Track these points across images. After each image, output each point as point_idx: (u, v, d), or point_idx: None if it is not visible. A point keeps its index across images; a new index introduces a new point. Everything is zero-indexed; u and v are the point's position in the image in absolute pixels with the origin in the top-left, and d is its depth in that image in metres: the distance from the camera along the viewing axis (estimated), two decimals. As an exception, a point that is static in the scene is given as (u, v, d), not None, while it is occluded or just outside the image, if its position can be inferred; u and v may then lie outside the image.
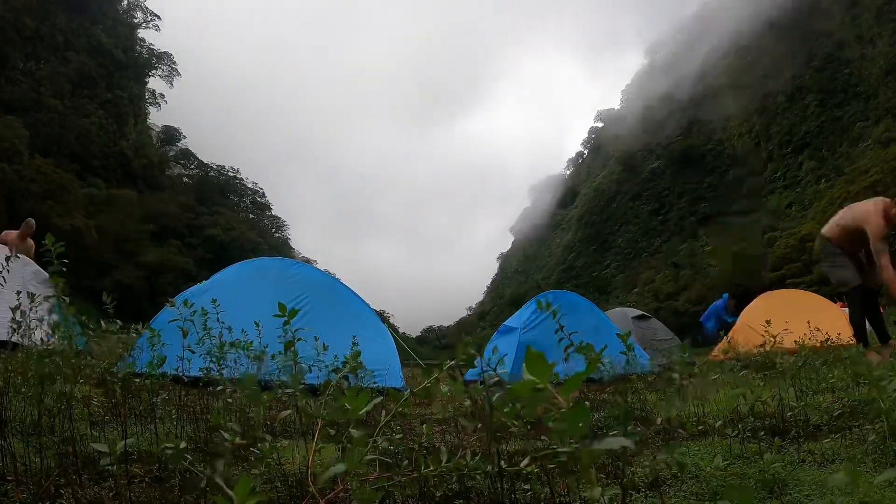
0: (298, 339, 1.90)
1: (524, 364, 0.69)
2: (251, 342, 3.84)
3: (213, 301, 4.20)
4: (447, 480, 1.85)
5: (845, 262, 6.22)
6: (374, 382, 3.74)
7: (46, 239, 2.13)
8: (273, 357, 3.35)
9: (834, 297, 13.22)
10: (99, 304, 2.96)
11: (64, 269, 2.16)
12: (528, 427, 1.83)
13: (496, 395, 1.10)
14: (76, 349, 2.24)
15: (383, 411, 1.69)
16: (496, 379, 1.13)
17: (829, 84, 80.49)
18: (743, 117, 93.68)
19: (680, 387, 1.86)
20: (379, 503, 1.30)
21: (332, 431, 1.64)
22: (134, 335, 3.77)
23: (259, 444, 1.66)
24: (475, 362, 1.32)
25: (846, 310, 14.04)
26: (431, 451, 1.70)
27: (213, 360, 3.48)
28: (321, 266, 34.32)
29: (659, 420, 3.28)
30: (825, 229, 6.49)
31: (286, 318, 1.75)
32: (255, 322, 4.25)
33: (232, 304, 4.90)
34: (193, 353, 3.52)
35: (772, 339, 4.77)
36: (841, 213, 6.51)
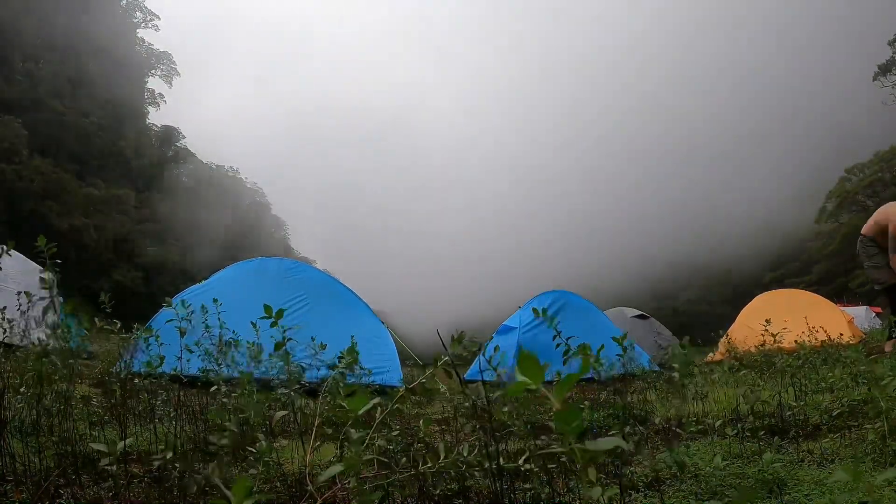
0: (288, 340, 1.89)
1: (516, 365, 0.69)
2: (251, 342, 3.83)
3: (215, 301, 4.18)
4: (446, 479, 1.85)
5: (881, 261, 6.19)
6: (373, 382, 3.73)
7: (39, 240, 2.12)
8: (270, 356, 3.35)
9: (833, 296, 13.17)
10: (98, 305, 2.95)
11: (58, 269, 2.15)
12: (528, 426, 1.83)
13: (495, 394, 1.10)
14: (72, 349, 2.23)
15: (380, 410, 1.68)
16: (499, 374, 1.13)
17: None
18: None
19: (679, 386, 1.86)
20: (378, 502, 1.30)
21: (330, 431, 1.64)
22: (133, 335, 3.77)
23: (257, 444, 1.65)
24: (476, 361, 1.31)
25: (846, 310, 14.05)
26: (430, 450, 1.69)
27: (211, 359, 3.48)
28: (321, 266, 34.29)
29: (658, 419, 3.28)
30: (864, 227, 6.45)
31: (273, 320, 1.73)
32: (253, 322, 4.23)
33: (231, 304, 4.89)
34: (192, 352, 3.51)
35: (771, 338, 4.78)
36: (879, 210, 6.44)
